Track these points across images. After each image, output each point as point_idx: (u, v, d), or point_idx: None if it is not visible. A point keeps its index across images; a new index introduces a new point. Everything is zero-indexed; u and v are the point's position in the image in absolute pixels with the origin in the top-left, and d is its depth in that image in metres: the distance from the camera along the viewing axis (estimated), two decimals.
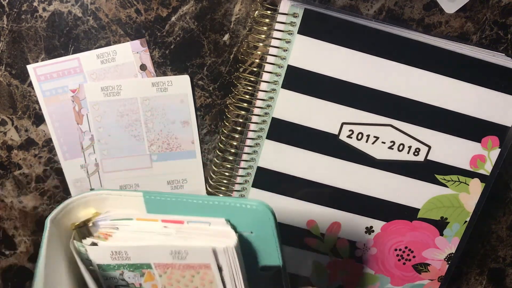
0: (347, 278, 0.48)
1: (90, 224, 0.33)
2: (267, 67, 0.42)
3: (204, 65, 0.45)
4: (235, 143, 0.45)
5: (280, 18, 0.41)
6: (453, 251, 0.47)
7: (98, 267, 0.33)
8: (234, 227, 0.31)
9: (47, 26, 0.43)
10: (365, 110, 0.43)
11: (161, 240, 0.31)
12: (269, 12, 0.42)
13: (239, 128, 0.44)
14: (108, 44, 0.43)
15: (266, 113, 0.43)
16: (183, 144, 0.46)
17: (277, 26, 0.41)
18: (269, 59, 0.42)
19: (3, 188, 0.46)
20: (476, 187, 0.45)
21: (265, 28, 0.42)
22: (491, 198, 0.47)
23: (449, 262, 0.47)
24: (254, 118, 0.43)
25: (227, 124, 0.45)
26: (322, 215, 0.46)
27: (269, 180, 0.45)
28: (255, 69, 0.43)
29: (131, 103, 0.45)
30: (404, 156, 0.44)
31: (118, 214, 0.33)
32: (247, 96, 0.43)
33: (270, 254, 0.32)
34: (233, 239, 0.30)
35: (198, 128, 0.46)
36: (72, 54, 0.43)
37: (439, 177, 0.45)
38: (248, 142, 0.44)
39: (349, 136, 0.44)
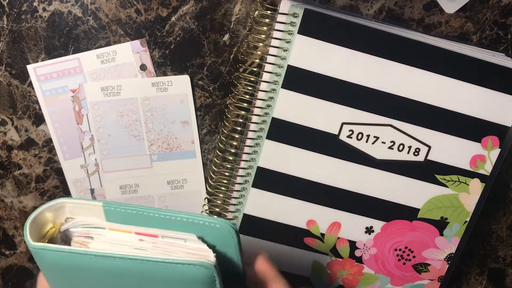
0: (347, 278, 0.48)
1: (57, 235, 0.32)
2: (267, 67, 0.42)
3: (204, 65, 0.45)
4: (235, 143, 0.45)
5: (280, 18, 0.41)
6: (453, 251, 0.47)
7: None
8: (211, 246, 0.31)
9: (47, 26, 0.43)
10: (365, 110, 0.43)
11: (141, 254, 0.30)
12: (269, 12, 0.42)
13: (239, 128, 0.44)
14: (108, 44, 0.43)
15: (266, 113, 0.43)
16: (183, 144, 0.46)
17: (277, 26, 0.41)
18: (269, 59, 0.42)
19: (3, 188, 0.46)
20: (476, 187, 0.45)
21: (265, 28, 0.42)
22: (491, 198, 0.47)
23: (449, 262, 0.47)
24: (254, 118, 0.43)
25: (227, 124, 0.45)
26: (322, 215, 0.46)
27: (269, 180, 0.45)
28: (255, 69, 0.43)
29: (131, 103, 0.45)
30: (404, 156, 0.44)
31: (88, 221, 0.32)
32: (247, 96, 0.43)
33: (233, 267, 0.32)
34: (212, 258, 0.30)
35: (198, 128, 0.46)
36: (72, 54, 0.43)
37: (439, 177, 0.45)
38: (248, 142, 0.44)
39: (349, 136, 0.44)
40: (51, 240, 0.32)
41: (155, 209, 0.31)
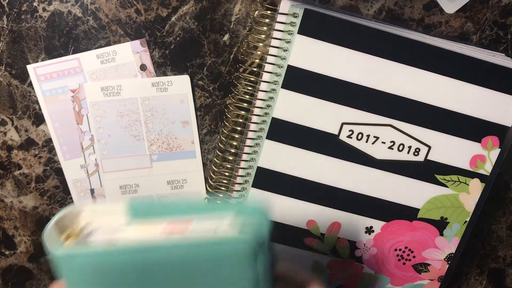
0: (347, 278, 0.48)
1: (72, 242, 0.29)
2: (267, 67, 0.42)
3: (204, 65, 0.45)
4: (235, 143, 0.45)
5: (280, 18, 0.41)
6: (453, 251, 0.47)
7: None
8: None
9: (47, 26, 0.43)
10: (365, 110, 0.43)
11: None
12: (269, 12, 0.42)
13: (239, 128, 0.44)
14: (108, 44, 0.43)
15: (266, 113, 0.43)
16: (183, 144, 0.46)
17: (277, 26, 0.41)
18: (269, 59, 0.42)
19: (3, 188, 0.46)
20: (476, 187, 0.45)
21: (265, 28, 0.42)
22: (491, 198, 0.47)
23: (449, 262, 0.47)
24: (254, 118, 0.43)
25: (227, 124, 0.45)
26: (322, 215, 0.46)
27: (269, 180, 0.45)
28: (255, 69, 0.43)
29: (131, 103, 0.45)
30: (404, 156, 0.44)
31: (108, 225, 0.30)
32: (247, 96, 0.43)
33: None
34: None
35: (198, 128, 0.46)
36: (72, 54, 0.43)
37: (439, 177, 0.45)
38: (248, 142, 0.44)
39: (349, 136, 0.44)
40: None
41: (180, 199, 0.29)
